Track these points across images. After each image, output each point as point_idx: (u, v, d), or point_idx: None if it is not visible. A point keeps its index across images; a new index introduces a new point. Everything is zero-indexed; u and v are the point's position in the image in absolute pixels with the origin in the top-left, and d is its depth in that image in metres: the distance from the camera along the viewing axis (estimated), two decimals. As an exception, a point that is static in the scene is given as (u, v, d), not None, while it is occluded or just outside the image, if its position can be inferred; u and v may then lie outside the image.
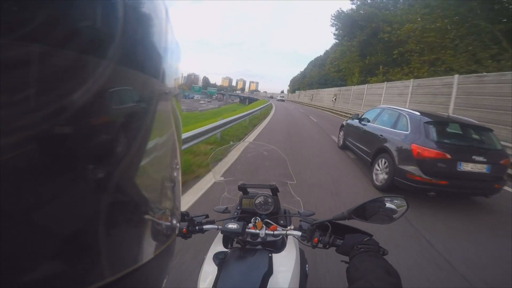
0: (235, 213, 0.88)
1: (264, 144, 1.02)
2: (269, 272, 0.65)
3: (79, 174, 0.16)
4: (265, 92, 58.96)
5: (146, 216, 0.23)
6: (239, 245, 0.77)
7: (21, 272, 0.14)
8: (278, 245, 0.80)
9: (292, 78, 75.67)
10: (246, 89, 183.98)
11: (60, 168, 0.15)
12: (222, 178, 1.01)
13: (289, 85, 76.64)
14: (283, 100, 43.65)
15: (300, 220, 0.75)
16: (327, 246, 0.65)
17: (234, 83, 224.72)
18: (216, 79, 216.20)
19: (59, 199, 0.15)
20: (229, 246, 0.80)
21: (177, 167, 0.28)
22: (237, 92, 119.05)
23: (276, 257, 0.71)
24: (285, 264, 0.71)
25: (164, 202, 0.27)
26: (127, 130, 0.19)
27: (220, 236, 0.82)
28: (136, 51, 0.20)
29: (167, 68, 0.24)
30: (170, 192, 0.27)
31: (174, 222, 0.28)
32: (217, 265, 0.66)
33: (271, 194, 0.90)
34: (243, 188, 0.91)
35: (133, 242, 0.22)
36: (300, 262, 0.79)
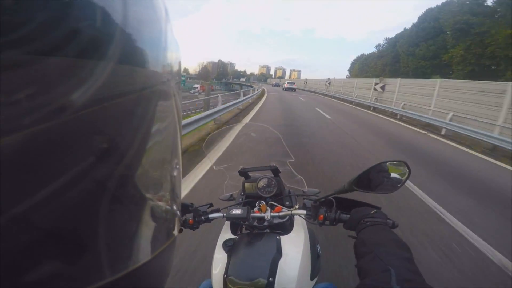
0: (240, 199, 0.87)
1: (256, 124, 1.06)
2: (278, 254, 0.64)
3: (79, 173, 0.16)
4: (305, 79, 41.59)
5: (147, 215, 0.23)
6: (247, 231, 0.77)
7: (21, 272, 0.14)
8: (286, 227, 0.79)
9: (354, 60, 54.82)
10: (287, 77, 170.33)
11: (60, 167, 0.15)
12: (222, 166, 1.01)
13: (350, 70, 55.31)
14: (293, 89, 28.75)
15: (304, 199, 0.74)
16: (334, 223, 0.64)
17: (272, 72, 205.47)
18: (254, 68, 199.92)
19: (59, 199, 0.15)
20: (238, 233, 0.79)
21: (177, 166, 0.28)
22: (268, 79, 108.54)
23: (285, 239, 0.70)
24: (294, 246, 0.70)
25: (164, 201, 0.26)
26: (127, 130, 0.19)
27: (227, 223, 0.81)
28: (135, 51, 0.20)
29: (168, 66, 0.24)
30: (171, 191, 0.27)
31: (174, 221, 0.28)
32: (226, 252, 0.66)
33: (273, 175, 0.89)
34: (244, 173, 0.91)
35: (134, 241, 0.22)
36: (310, 242, 0.77)
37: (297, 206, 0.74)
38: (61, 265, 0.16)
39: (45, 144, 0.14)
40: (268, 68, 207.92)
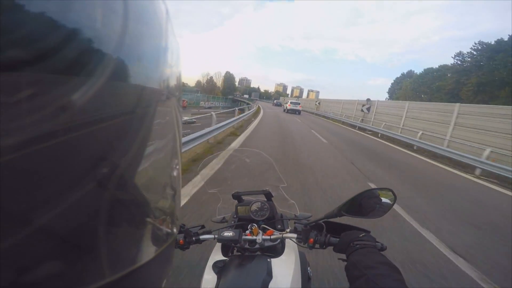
0: (232, 222, 0.88)
1: (248, 149, 1.05)
2: (268, 277, 0.64)
3: (80, 174, 0.16)
4: (317, 101, 33.59)
5: (146, 216, 0.23)
6: (238, 253, 0.78)
7: (21, 272, 0.14)
8: (278, 250, 0.80)
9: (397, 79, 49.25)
10: (304, 96, 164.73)
11: (60, 168, 0.15)
12: (215, 189, 1.02)
13: (392, 92, 48.77)
14: (296, 112, 22.86)
15: (295, 223, 0.76)
16: (324, 246, 0.66)
17: (288, 91, 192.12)
18: (270, 86, 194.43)
19: (60, 200, 0.15)
20: (229, 255, 0.80)
21: (177, 167, 0.28)
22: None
23: (275, 262, 0.71)
24: (284, 268, 0.70)
25: (164, 202, 0.27)
26: (127, 131, 0.19)
27: (218, 245, 0.82)
28: (136, 52, 0.20)
29: (168, 68, 0.24)
30: (171, 192, 0.27)
31: (174, 222, 0.29)
32: (216, 273, 0.66)
33: (265, 199, 0.90)
34: (237, 197, 0.92)
35: (133, 242, 0.22)
36: (301, 265, 0.78)
37: (288, 230, 0.77)
38: (61, 265, 0.16)
39: (45, 145, 0.14)
40: (284, 87, 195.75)
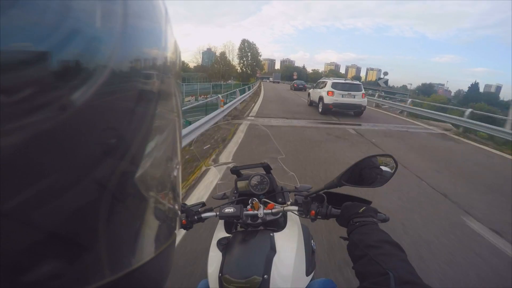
0: (233, 198, 0.87)
1: (247, 123, 0.87)
2: (272, 251, 0.64)
3: (80, 173, 0.16)
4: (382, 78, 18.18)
5: (147, 215, 0.23)
6: (241, 229, 0.78)
7: (21, 272, 0.14)
8: (280, 224, 0.78)
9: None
10: (362, 78, 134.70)
11: (60, 168, 0.15)
12: (212, 165, 1.05)
13: None
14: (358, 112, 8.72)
15: (295, 195, 0.74)
16: (326, 218, 0.65)
17: (342, 70, 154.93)
18: (319, 67, 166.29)
19: (60, 199, 0.15)
20: (233, 231, 0.80)
21: (177, 165, 0.28)
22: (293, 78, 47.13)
23: (278, 236, 0.70)
24: (288, 242, 0.69)
25: (165, 200, 0.27)
26: (127, 129, 0.19)
27: (221, 222, 0.81)
28: (135, 51, 0.20)
29: (167, 65, 0.24)
30: (171, 191, 0.27)
31: (175, 221, 0.28)
32: (221, 250, 0.67)
33: (264, 173, 0.88)
34: (236, 171, 0.91)
35: (134, 241, 0.22)
36: (304, 238, 0.76)
37: (289, 203, 0.75)
38: (61, 265, 0.16)
39: (45, 144, 0.14)
40: (337, 66, 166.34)
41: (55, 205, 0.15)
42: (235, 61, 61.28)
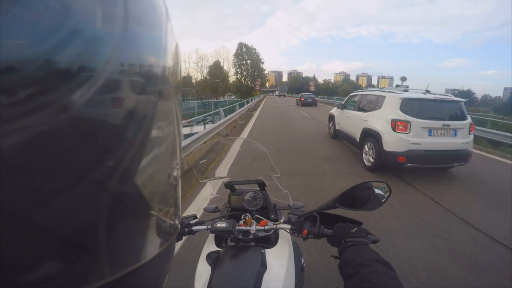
0: (225, 212, 0.87)
1: (243, 139, 1.09)
2: (263, 268, 0.64)
3: (80, 174, 0.16)
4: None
5: (147, 216, 0.23)
6: (232, 244, 0.78)
7: (21, 272, 0.14)
8: (271, 240, 0.79)
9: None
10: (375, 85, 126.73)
11: (60, 168, 0.15)
12: (206, 180, 1.03)
13: None
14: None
15: (289, 213, 0.75)
16: (318, 237, 0.66)
17: (353, 78, 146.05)
18: (328, 77, 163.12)
19: (60, 199, 0.15)
20: (223, 245, 0.79)
21: (177, 166, 0.28)
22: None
23: (269, 252, 0.70)
24: (278, 259, 0.70)
25: (164, 201, 0.27)
26: (127, 130, 0.19)
27: (212, 236, 0.81)
28: (136, 52, 0.20)
29: (168, 68, 0.24)
30: (171, 191, 0.27)
31: (175, 221, 0.29)
32: (210, 264, 0.66)
33: (259, 189, 0.89)
34: (230, 186, 0.91)
35: (133, 241, 0.22)
36: (295, 256, 0.76)
37: (282, 220, 0.76)
38: (61, 265, 0.16)
39: (45, 145, 0.14)
40: (346, 75, 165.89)
41: (55, 206, 0.15)
42: (231, 71, 45.72)
